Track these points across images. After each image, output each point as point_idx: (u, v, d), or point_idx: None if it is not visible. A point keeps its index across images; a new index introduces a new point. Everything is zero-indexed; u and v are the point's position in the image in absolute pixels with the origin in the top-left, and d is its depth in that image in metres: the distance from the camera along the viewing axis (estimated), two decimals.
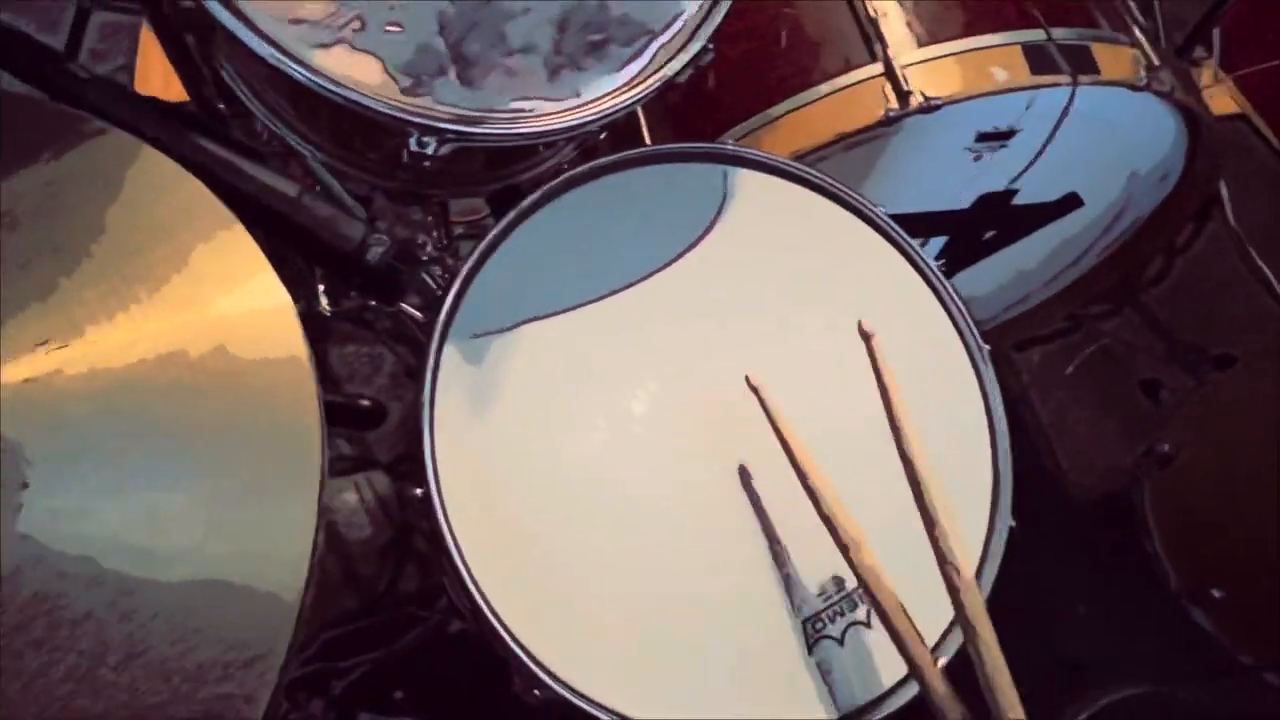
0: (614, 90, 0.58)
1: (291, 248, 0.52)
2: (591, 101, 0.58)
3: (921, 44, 0.79)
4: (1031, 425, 1.54)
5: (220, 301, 0.44)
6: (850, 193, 0.71)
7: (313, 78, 0.52)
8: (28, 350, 0.39)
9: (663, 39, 0.61)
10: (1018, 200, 1.03)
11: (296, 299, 0.44)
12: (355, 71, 0.54)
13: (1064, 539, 1.33)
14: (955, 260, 1.14)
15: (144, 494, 0.39)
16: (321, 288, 0.81)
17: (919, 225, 1.03)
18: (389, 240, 0.51)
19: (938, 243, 1.09)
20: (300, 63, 0.52)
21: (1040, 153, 0.87)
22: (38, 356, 0.39)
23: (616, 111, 0.58)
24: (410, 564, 1.06)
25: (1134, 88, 0.79)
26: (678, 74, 0.59)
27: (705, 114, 0.87)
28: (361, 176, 0.66)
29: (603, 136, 0.71)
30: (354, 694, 1.08)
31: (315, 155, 0.63)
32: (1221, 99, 1.89)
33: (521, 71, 0.57)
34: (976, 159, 0.92)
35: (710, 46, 0.62)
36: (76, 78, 0.52)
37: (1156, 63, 0.80)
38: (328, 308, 0.81)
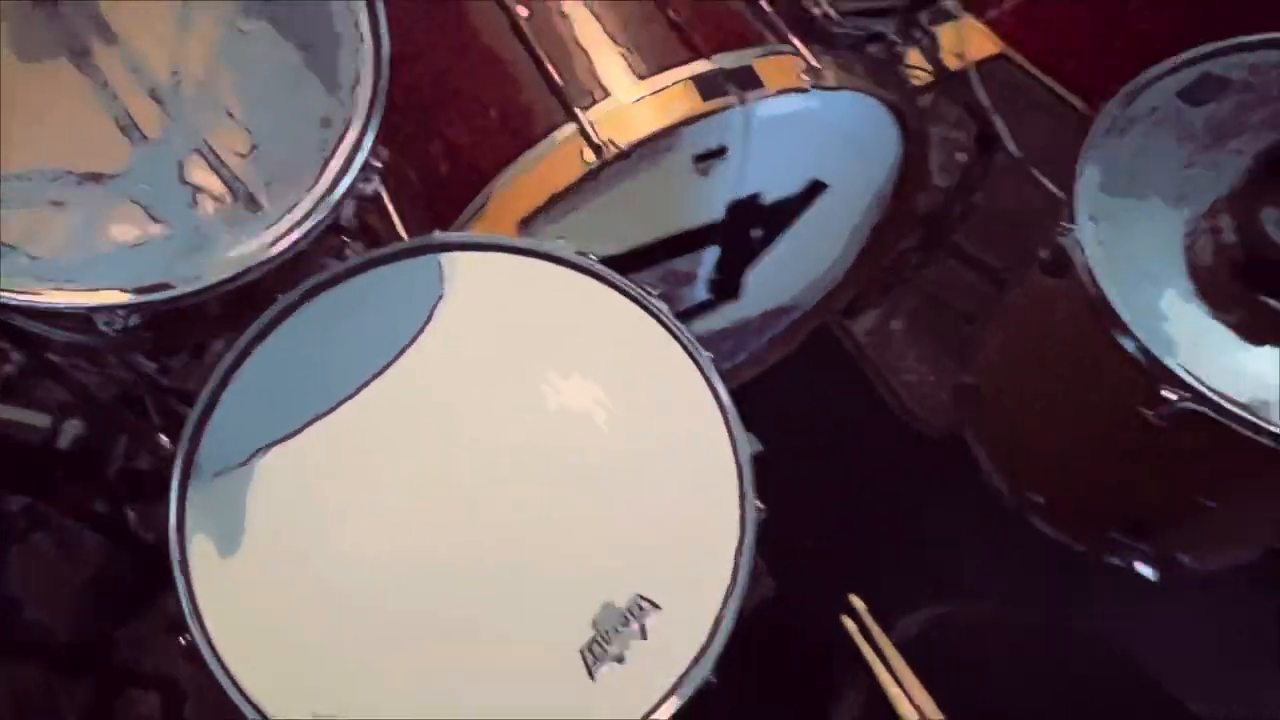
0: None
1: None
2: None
3: (606, 97, 0.87)
4: (877, 381, 1.65)
5: None
6: (552, 248, 0.77)
7: None
8: None
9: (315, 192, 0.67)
10: (765, 200, 1.12)
11: None
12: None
13: (920, 478, 1.43)
14: (738, 261, 1.23)
15: None
16: None
17: (685, 242, 1.11)
18: (80, 421, 0.55)
19: (713, 253, 1.17)
20: None
21: (747, 159, 0.96)
22: None
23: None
24: None
25: (800, 90, 0.88)
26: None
27: (446, 199, 0.93)
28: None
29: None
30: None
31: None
32: (981, 42, 2.07)
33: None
34: (704, 174, 1.00)
35: (375, 167, 0.68)
36: None
37: (815, 64, 0.90)
38: None
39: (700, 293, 1.25)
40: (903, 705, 0.68)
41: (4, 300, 0.56)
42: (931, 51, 1.94)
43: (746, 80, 0.87)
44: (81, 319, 0.62)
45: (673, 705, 0.62)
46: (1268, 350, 0.85)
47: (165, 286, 0.60)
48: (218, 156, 0.71)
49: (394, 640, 0.62)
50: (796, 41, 0.91)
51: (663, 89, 0.87)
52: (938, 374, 1.63)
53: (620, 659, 0.64)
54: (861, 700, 0.72)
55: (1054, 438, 1.11)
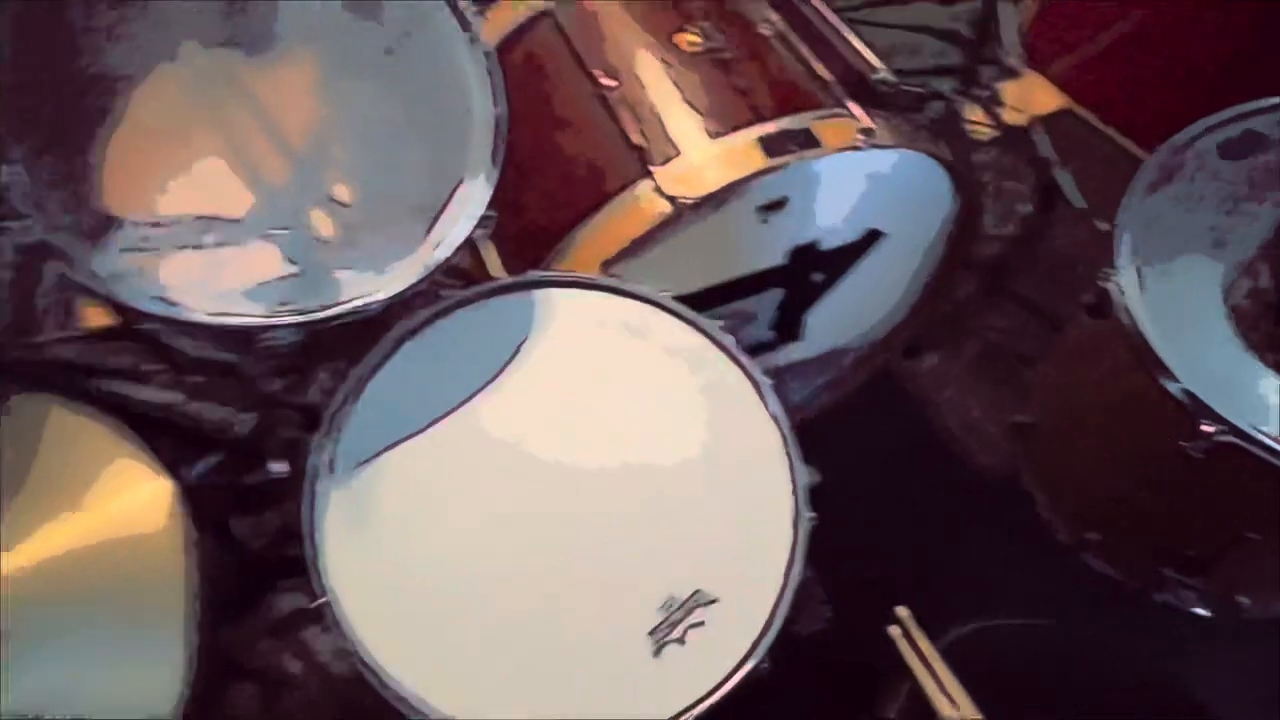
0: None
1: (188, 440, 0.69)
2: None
3: (679, 155, 0.99)
4: (937, 424, 1.69)
5: (116, 508, 0.61)
6: (629, 286, 0.89)
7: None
8: None
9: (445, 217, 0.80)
10: (824, 246, 1.21)
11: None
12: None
13: (975, 515, 1.46)
14: (800, 303, 1.32)
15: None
16: None
17: (749, 285, 1.21)
18: (252, 417, 0.69)
19: (776, 295, 1.27)
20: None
21: (802, 209, 1.06)
22: None
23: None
24: None
25: (855, 149, 0.98)
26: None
27: (540, 242, 1.06)
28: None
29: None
30: None
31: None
32: (1046, 97, 2.13)
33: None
34: (766, 223, 1.11)
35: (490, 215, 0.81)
36: None
37: (869, 125, 1.00)
38: None
39: (763, 333, 1.35)
40: (941, 704, 0.74)
41: (191, 317, 0.69)
42: (992, 108, 2.02)
43: (806, 140, 0.97)
44: (241, 337, 0.76)
45: (729, 684, 0.70)
46: None
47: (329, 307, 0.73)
48: (337, 204, 0.85)
49: (493, 611, 0.72)
50: (851, 105, 1.01)
51: (731, 147, 0.98)
52: (995, 414, 1.66)
53: (681, 642, 0.72)
54: (903, 705, 0.78)
55: (1105, 474, 1.14)
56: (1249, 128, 1.01)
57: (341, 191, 0.84)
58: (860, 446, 1.58)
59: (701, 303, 1.17)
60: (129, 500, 0.61)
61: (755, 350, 1.36)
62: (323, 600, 0.70)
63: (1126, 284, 0.93)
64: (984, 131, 2.05)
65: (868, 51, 1.25)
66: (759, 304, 1.27)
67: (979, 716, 0.73)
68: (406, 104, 0.89)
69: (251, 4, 0.83)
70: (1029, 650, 0.85)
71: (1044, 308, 1.70)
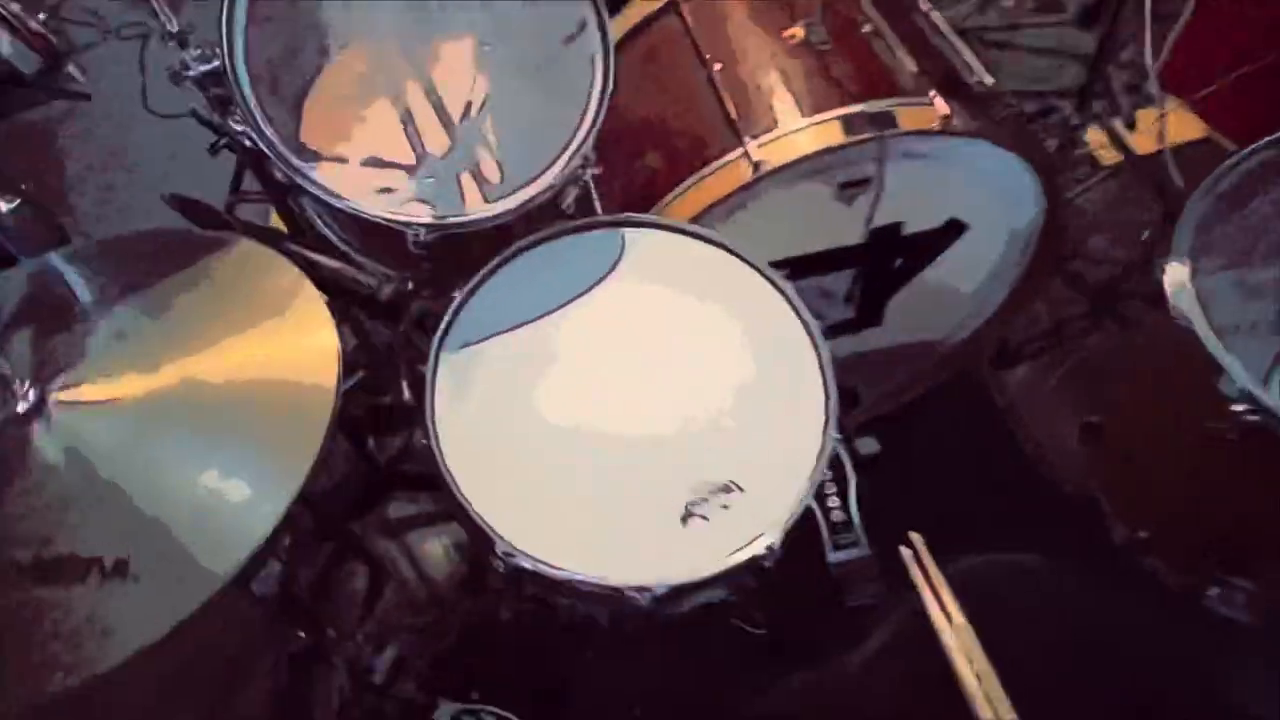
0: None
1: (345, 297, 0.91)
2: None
3: (774, 128, 1.13)
4: (1018, 430, 1.71)
5: (291, 340, 0.81)
6: (703, 230, 1.04)
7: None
8: (148, 367, 0.75)
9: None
10: (906, 230, 1.31)
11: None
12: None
13: (1045, 524, 1.48)
14: (881, 287, 1.41)
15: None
16: None
17: (831, 260, 1.32)
18: (391, 286, 0.89)
19: (858, 275, 1.36)
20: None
21: (882, 190, 1.16)
22: (154, 374, 0.75)
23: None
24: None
25: (930, 132, 1.09)
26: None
27: (649, 198, 1.22)
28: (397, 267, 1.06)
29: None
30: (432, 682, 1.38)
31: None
32: (1186, 125, 2.10)
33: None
34: (849, 203, 1.22)
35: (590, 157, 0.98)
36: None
37: (948, 113, 1.10)
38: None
39: (845, 311, 1.45)
40: (939, 618, 0.83)
41: (357, 208, 0.91)
42: (1118, 133, 2.02)
43: (885, 121, 1.09)
44: (397, 238, 0.97)
45: (736, 558, 0.82)
46: None
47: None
48: (480, 171, 1.04)
49: (557, 471, 0.89)
50: (934, 95, 1.12)
51: (812, 124, 1.11)
52: (1075, 429, 1.66)
53: (705, 518, 0.86)
54: (901, 618, 0.87)
55: (1160, 467, 1.17)
56: None
57: (489, 169, 1.03)
58: (940, 444, 1.64)
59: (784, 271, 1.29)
60: (305, 341, 0.80)
61: (836, 330, 1.47)
62: (425, 442, 0.89)
63: (1178, 272, 0.98)
64: (1107, 157, 2.04)
65: (973, 59, 1.34)
66: (840, 281, 1.37)
67: (969, 628, 0.81)
68: (542, 83, 1.07)
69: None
70: (1034, 586, 0.92)
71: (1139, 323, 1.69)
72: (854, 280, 1.37)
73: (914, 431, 1.66)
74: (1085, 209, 2.02)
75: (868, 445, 1.17)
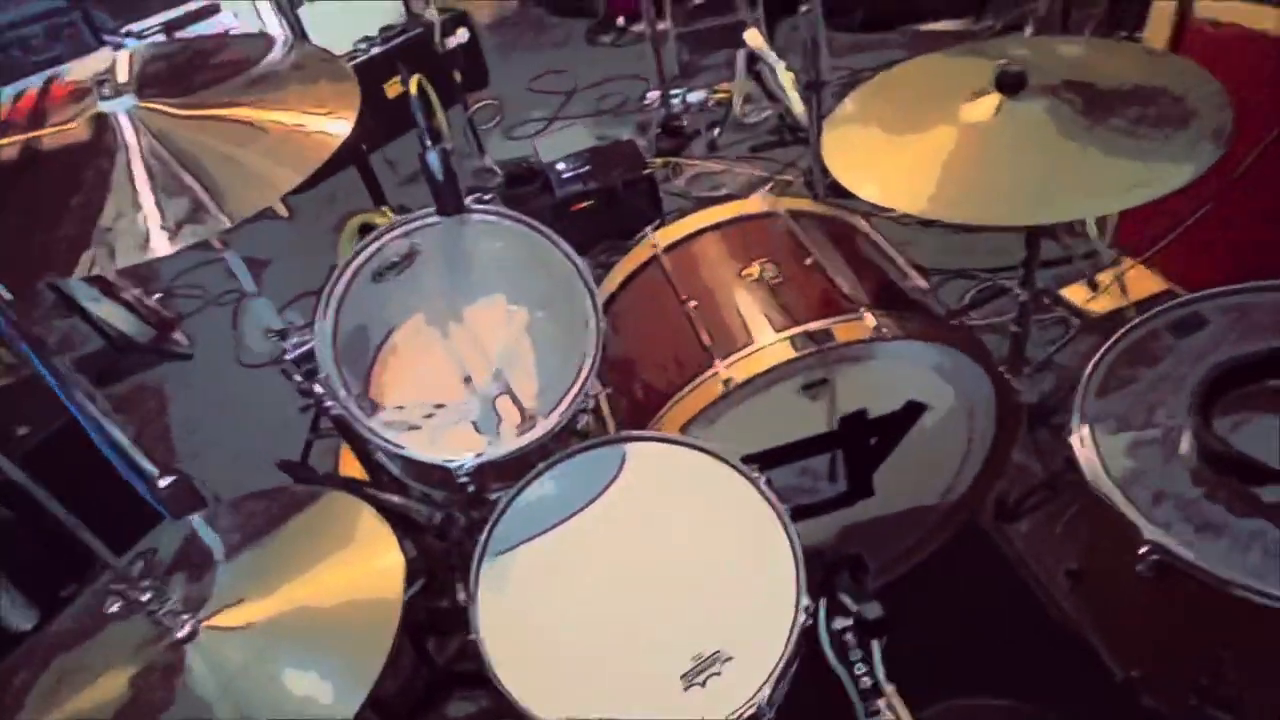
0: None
1: (405, 526, 1.16)
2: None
3: (737, 350, 1.40)
4: (1033, 582, 1.82)
5: (367, 564, 1.06)
6: (687, 439, 1.28)
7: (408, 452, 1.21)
8: (265, 596, 0.99)
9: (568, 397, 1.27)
10: (871, 415, 1.54)
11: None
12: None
13: (1054, 668, 1.56)
14: (863, 464, 1.62)
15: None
16: None
17: (809, 446, 1.54)
18: (440, 513, 1.14)
19: (840, 456, 1.58)
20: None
21: (835, 389, 1.41)
22: (270, 600, 0.99)
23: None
24: None
25: (862, 341, 1.35)
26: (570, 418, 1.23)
27: (644, 414, 1.49)
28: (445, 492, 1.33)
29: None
30: None
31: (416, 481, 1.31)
32: (1143, 283, 2.33)
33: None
34: (814, 399, 1.46)
35: (589, 394, 1.26)
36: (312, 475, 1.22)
37: (877, 323, 1.36)
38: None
39: (837, 487, 1.65)
40: None
41: (414, 454, 1.19)
42: (1067, 300, 2.27)
43: (823, 337, 1.36)
44: (445, 470, 1.24)
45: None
46: (1256, 522, 1.06)
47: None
48: (517, 398, 1.33)
49: (578, 654, 1.09)
50: (866, 310, 1.39)
51: (769, 345, 1.38)
52: None
53: (703, 685, 1.03)
54: None
55: (1131, 611, 1.29)
56: (1196, 310, 1.25)
57: (525, 387, 1.32)
58: (956, 600, 1.76)
59: (773, 461, 1.52)
60: (375, 563, 1.04)
61: (833, 504, 1.66)
62: (473, 638, 1.10)
63: (1085, 438, 1.18)
64: (1072, 320, 2.27)
65: (908, 268, 1.64)
66: (825, 463, 1.59)
67: None
68: (560, 329, 1.38)
69: (461, 268, 1.39)
70: None
71: None
72: (834, 460, 1.58)
73: (929, 591, 1.79)
74: (1066, 364, 2.22)
75: (872, 610, 1.32)
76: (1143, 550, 1.06)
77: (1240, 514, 1.07)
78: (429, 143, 1.17)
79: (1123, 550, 1.12)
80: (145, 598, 0.90)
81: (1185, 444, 1.14)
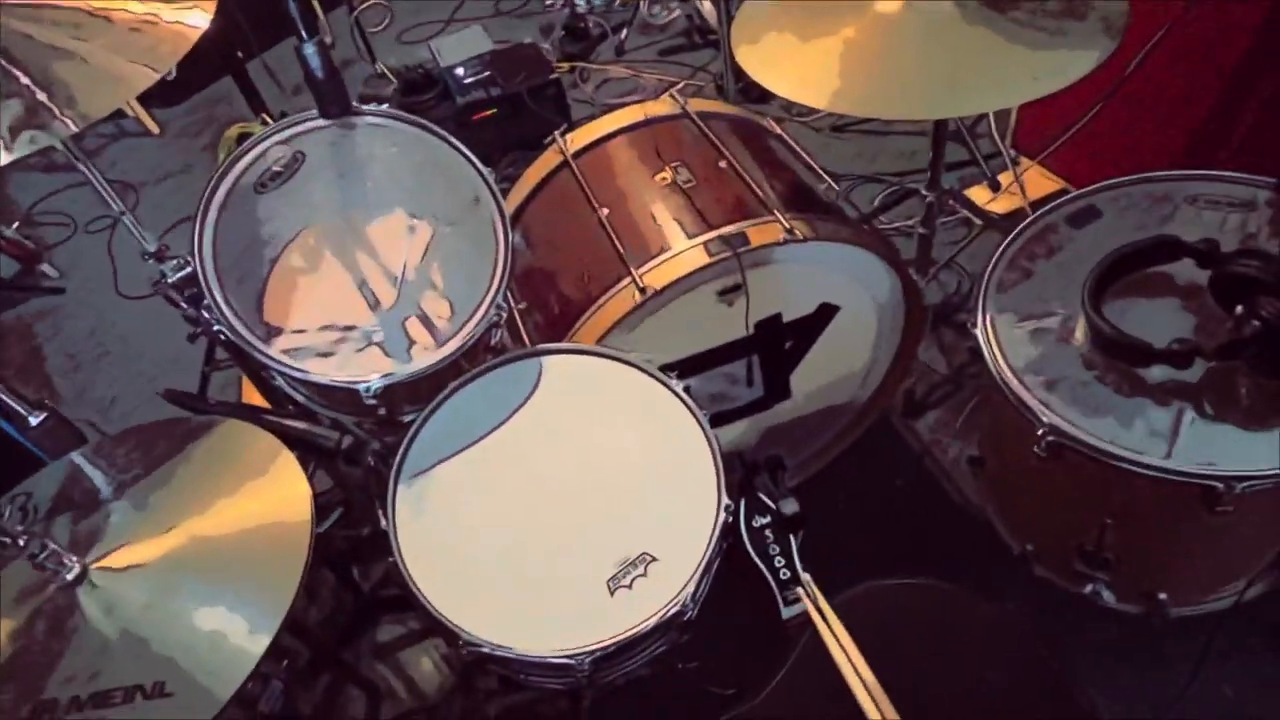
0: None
1: (312, 453, 1.11)
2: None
3: (654, 257, 1.37)
4: (938, 471, 1.92)
5: (271, 493, 1.00)
6: (604, 349, 1.26)
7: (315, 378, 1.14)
8: (161, 532, 0.94)
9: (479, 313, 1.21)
10: (786, 319, 1.55)
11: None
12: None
13: (952, 541, 1.67)
14: (779, 367, 1.64)
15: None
16: None
17: (727, 352, 1.55)
18: (349, 438, 1.09)
19: (757, 360, 1.59)
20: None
21: (749, 293, 1.41)
22: (166, 537, 0.94)
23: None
24: None
25: (775, 244, 1.34)
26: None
27: (557, 328, 1.45)
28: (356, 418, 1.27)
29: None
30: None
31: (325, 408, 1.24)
32: (1041, 183, 2.40)
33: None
34: (730, 305, 1.46)
35: (502, 307, 1.21)
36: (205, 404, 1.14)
37: (789, 226, 1.35)
38: None
39: (756, 391, 1.67)
40: (834, 648, 1.00)
41: (315, 378, 1.12)
42: (970, 201, 2.32)
43: (739, 241, 1.34)
44: (352, 393, 1.18)
45: (658, 617, 1.01)
46: (1139, 401, 1.13)
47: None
48: (428, 317, 1.26)
49: (500, 563, 1.08)
50: (779, 213, 1.37)
51: (684, 251, 1.36)
52: None
53: (629, 586, 1.04)
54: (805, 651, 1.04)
55: (1024, 490, 1.37)
56: (1091, 202, 1.29)
57: (435, 307, 1.25)
58: (869, 492, 1.85)
59: (692, 368, 1.52)
60: (282, 492, 0.99)
61: (752, 407, 1.68)
62: (393, 560, 1.07)
63: (987, 328, 1.21)
64: (975, 221, 2.33)
65: (819, 171, 1.63)
66: (743, 368, 1.60)
67: (852, 644, 0.99)
68: (468, 242, 1.31)
69: (354, 178, 1.29)
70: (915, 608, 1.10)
71: None
72: (751, 365, 1.60)
73: (843, 484, 1.87)
74: (966, 265, 2.30)
75: (789, 506, 1.36)
76: (1039, 432, 1.11)
77: (1127, 394, 1.13)
78: (305, 35, 1.06)
79: (1021, 435, 1.18)
80: (22, 542, 0.82)
81: (1079, 331, 1.19)
